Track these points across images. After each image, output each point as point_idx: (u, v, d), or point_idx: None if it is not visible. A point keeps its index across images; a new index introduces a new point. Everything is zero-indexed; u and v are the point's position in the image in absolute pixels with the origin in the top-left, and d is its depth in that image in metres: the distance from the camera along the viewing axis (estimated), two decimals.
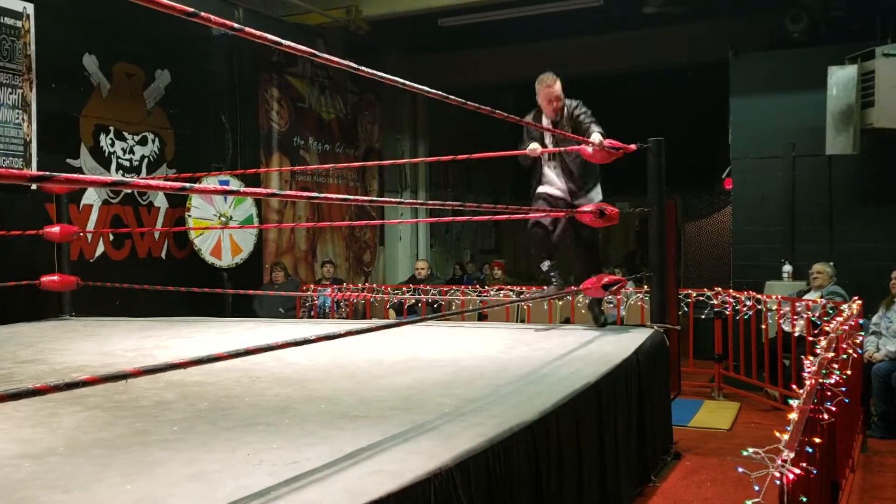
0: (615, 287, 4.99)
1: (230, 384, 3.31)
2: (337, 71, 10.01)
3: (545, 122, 4.89)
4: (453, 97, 2.72)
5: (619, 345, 4.21)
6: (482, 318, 7.53)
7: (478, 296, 8.07)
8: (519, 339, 4.63)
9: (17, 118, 6.31)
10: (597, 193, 4.94)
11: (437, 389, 3.16)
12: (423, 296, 8.05)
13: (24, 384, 3.39)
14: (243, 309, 8.17)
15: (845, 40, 8.05)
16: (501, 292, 8.06)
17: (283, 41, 2.02)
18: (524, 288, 8.16)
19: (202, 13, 1.75)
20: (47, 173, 1.52)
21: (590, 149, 4.45)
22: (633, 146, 4.55)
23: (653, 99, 12.10)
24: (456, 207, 3.93)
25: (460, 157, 4.88)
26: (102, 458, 2.21)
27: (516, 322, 7.74)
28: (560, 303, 7.56)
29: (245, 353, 1.91)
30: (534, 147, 4.80)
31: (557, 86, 4.82)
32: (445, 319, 5.74)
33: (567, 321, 7.69)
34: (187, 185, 1.75)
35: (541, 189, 5.02)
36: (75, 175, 1.56)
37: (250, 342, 4.51)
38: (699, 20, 9.73)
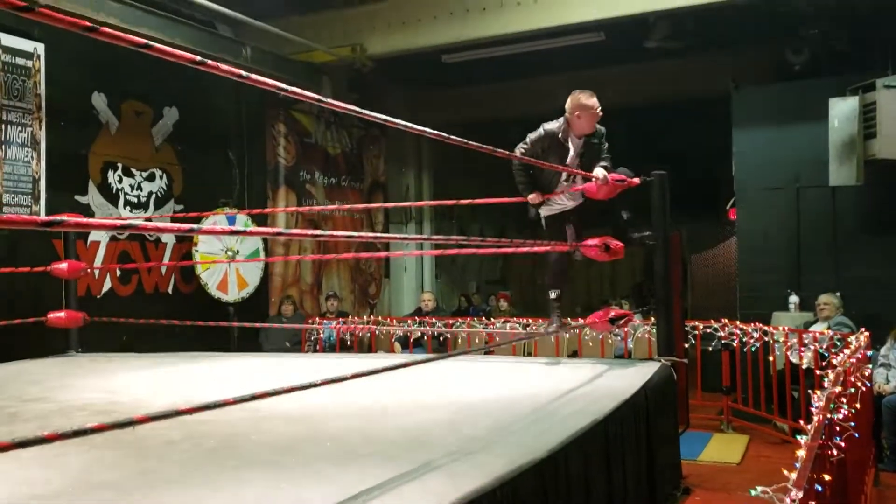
0: (622, 321, 4.98)
1: (236, 421, 3.30)
2: None
3: (573, 140, 4.73)
4: (454, 137, 2.74)
5: (627, 379, 4.20)
6: (488, 352, 7.50)
7: (484, 328, 8.05)
8: (526, 374, 4.62)
9: (27, 156, 6.38)
10: None
11: (444, 427, 3.15)
12: (428, 328, 8.04)
13: (30, 422, 3.40)
14: (249, 343, 8.18)
15: (846, 72, 8.11)
16: (508, 325, 8.04)
17: (288, 87, 2.05)
18: (530, 320, 8.14)
19: (209, 61, 1.79)
20: (57, 218, 1.55)
21: (595, 181, 4.48)
22: (637, 180, 4.57)
23: (656, 131, 12.16)
24: (460, 241, 3.93)
25: (463, 201, 4.89)
26: (111, 500, 2.21)
27: (523, 355, 7.72)
28: (567, 335, 7.54)
29: (251, 399, 1.91)
30: (533, 197, 4.75)
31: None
32: (451, 357, 5.73)
33: (574, 354, 7.67)
34: (195, 227, 1.76)
35: (555, 210, 4.90)
36: (85, 219, 1.58)
37: (257, 378, 4.51)
38: (700, 53, 9.82)
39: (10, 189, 6.24)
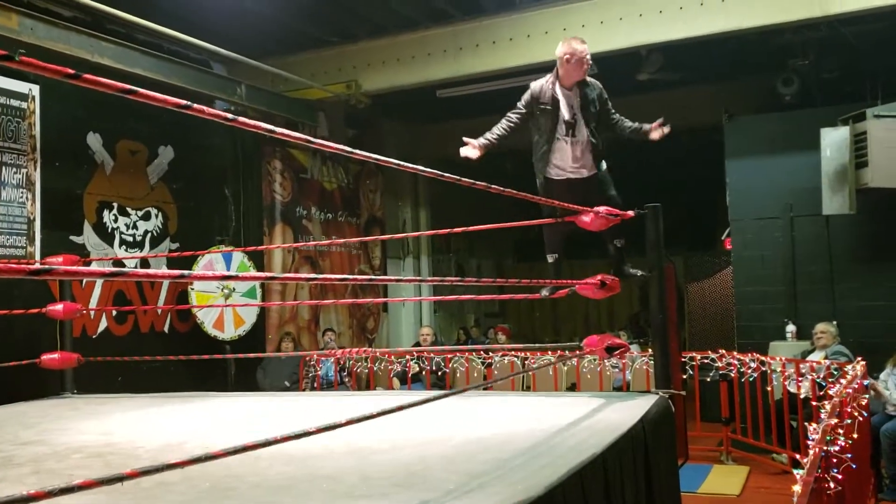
0: (618, 352, 4.97)
1: (232, 462, 3.27)
2: (337, 142, 10.14)
3: (563, 92, 4.64)
4: (448, 175, 2.76)
5: (625, 412, 4.17)
6: (486, 386, 7.47)
7: (482, 363, 8.03)
8: (524, 409, 4.59)
9: (22, 197, 6.40)
10: (604, 166, 4.83)
11: (442, 464, 3.13)
12: (427, 364, 8.01)
13: (24, 467, 3.36)
14: (246, 381, 8.13)
15: (837, 102, 8.21)
16: (506, 358, 8.01)
17: (277, 129, 2.07)
18: (529, 354, 8.12)
19: (195, 105, 1.81)
20: (47, 266, 1.55)
21: (587, 217, 4.48)
22: (630, 213, 4.58)
23: (651, 161, 12.23)
24: (455, 282, 3.93)
25: (458, 229, 4.88)
26: None
27: (521, 388, 7.69)
28: (566, 368, 7.52)
29: (244, 450, 1.90)
30: (471, 144, 4.69)
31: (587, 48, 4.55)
32: (450, 395, 5.70)
33: (573, 387, 7.64)
34: (185, 272, 1.77)
35: (557, 172, 4.75)
36: (74, 268, 1.58)
37: (255, 419, 4.48)
38: (693, 85, 9.92)
39: (4, 230, 6.24)
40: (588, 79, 4.69)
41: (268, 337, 8.97)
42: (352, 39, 9.00)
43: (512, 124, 4.73)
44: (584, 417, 4.18)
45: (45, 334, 6.13)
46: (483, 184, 3.12)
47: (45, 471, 3.25)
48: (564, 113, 4.66)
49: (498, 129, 4.80)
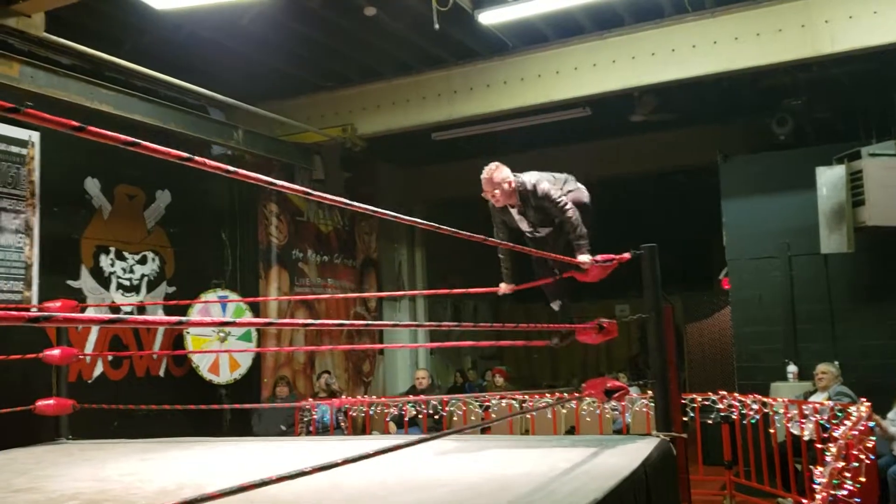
0: (618, 394, 4.92)
1: None
2: (334, 185, 10.20)
3: (514, 212, 4.64)
4: (445, 227, 2.74)
5: (626, 456, 4.12)
6: (484, 429, 7.40)
7: (480, 406, 7.95)
8: (522, 453, 4.53)
9: (20, 242, 6.39)
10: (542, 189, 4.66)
11: None
12: (423, 407, 7.93)
13: None
14: (242, 426, 8.04)
15: (831, 141, 8.26)
16: (504, 402, 7.94)
17: (276, 182, 2.07)
18: (527, 396, 8.05)
19: (197, 158, 1.81)
20: (46, 314, 1.53)
21: (584, 266, 4.46)
22: (626, 255, 4.57)
23: (645, 202, 12.29)
24: (452, 328, 3.91)
25: (456, 290, 4.87)
26: None
27: (520, 432, 7.60)
28: (564, 411, 7.45)
29: (239, 490, 1.86)
30: (503, 287, 4.71)
31: (499, 173, 4.51)
32: (446, 436, 5.63)
33: (572, 430, 7.56)
34: (183, 318, 1.75)
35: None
36: (73, 315, 1.57)
37: (250, 465, 4.42)
38: (687, 126, 10.00)
39: (2, 275, 6.22)
40: (518, 182, 4.59)
41: (263, 381, 8.89)
42: (347, 83, 9.08)
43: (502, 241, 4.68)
44: (584, 461, 4.13)
45: (40, 379, 6.08)
46: (480, 237, 3.11)
47: None
48: (519, 221, 4.67)
49: (505, 264, 4.83)
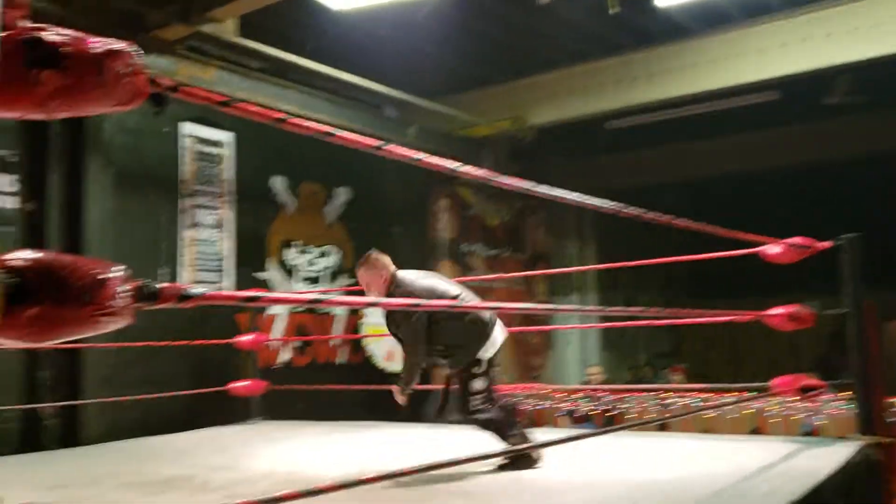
0: (813, 392, 4.60)
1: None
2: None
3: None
4: (628, 209, 2.66)
5: (822, 460, 3.85)
6: (662, 428, 7.15)
7: (657, 404, 7.69)
8: (703, 452, 4.35)
9: (215, 236, 6.86)
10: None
11: None
12: (598, 404, 7.77)
13: (217, 492, 3.54)
14: (415, 412, 8.21)
15: None
16: (684, 400, 7.63)
17: (459, 166, 2.08)
18: (711, 395, 7.69)
19: (386, 145, 1.85)
20: (255, 294, 1.62)
21: (777, 248, 4.20)
22: (825, 244, 4.26)
23: (842, 191, 11.42)
24: (632, 313, 3.80)
25: (629, 263, 4.71)
26: None
27: (699, 433, 7.29)
28: (750, 411, 7.07)
29: (427, 469, 1.88)
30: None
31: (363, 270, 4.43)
32: (622, 430, 5.51)
33: (755, 431, 7.16)
34: (373, 299, 1.78)
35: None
36: (279, 294, 1.64)
37: (423, 447, 4.52)
38: (885, 107, 9.18)
39: (201, 267, 6.71)
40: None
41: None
42: (518, 75, 9.07)
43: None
44: (775, 463, 3.90)
45: (231, 364, 6.49)
46: (668, 217, 2.99)
47: (236, 496, 3.40)
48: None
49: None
